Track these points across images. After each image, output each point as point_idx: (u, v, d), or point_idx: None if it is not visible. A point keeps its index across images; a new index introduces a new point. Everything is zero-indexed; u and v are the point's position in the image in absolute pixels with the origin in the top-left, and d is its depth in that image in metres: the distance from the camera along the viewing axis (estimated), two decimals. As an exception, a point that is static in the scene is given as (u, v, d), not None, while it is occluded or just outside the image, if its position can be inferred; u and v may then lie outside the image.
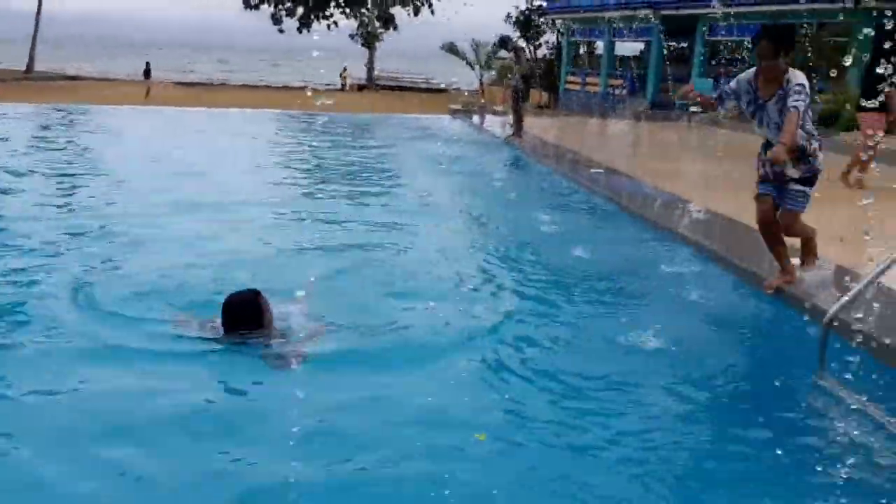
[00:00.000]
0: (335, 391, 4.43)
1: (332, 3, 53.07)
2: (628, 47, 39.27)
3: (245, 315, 4.89)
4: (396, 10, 53.53)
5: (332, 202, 10.11)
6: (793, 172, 5.90)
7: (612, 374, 4.89)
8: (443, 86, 51.46)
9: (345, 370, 4.73)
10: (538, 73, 41.07)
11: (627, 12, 32.72)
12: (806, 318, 5.46)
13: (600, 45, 37.84)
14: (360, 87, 49.70)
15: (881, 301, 5.10)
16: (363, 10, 52.73)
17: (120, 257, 6.98)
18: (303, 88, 49.11)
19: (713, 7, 28.27)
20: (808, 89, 5.74)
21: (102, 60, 70.06)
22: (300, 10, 53.15)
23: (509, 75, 16.85)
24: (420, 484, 3.55)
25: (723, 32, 30.65)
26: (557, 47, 41.40)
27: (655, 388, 4.67)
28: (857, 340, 4.65)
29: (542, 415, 4.31)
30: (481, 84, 18.92)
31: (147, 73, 35.64)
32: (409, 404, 4.35)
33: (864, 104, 11.32)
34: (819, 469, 3.75)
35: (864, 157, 11.34)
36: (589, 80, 37.39)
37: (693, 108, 25.26)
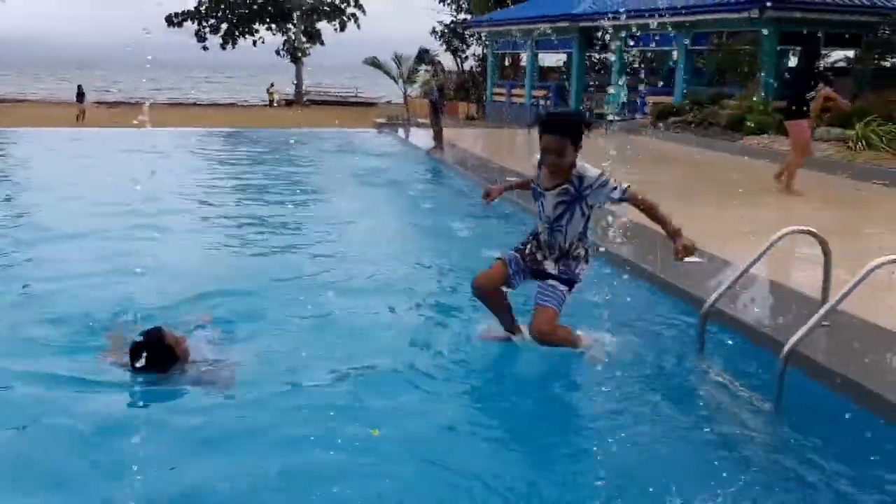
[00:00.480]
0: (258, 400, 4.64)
1: (257, 20, 52.93)
2: (555, 58, 40.21)
3: (154, 358, 4.73)
4: (322, 25, 53.70)
5: (249, 214, 10.34)
6: (550, 267, 5.20)
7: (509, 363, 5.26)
8: (372, 100, 51.86)
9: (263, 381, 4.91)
10: (467, 86, 41.86)
11: (548, 25, 33.48)
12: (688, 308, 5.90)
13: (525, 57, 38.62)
14: (289, 103, 49.64)
15: (754, 291, 5.56)
16: (289, 26, 52.71)
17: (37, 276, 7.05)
18: (231, 105, 49.01)
19: (625, 20, 29.14)
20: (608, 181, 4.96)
21: (19, 83, 68.52)
22: (224, 27, 52.86)
23: (426, 88, 17.23)
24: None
25: (639, 43, 31.66)
26: (483, 60, 42.10)
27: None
28: (733, 328, 5.09)
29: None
30: (405, 97, 19.23)
31: (80, 95, 34.59)
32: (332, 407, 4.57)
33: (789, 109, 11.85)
34: (694, 430, 4.15)
35: (801, 163, 11.93)
36: (514, 91, 38.07)
37: (615, 118, 26.12)
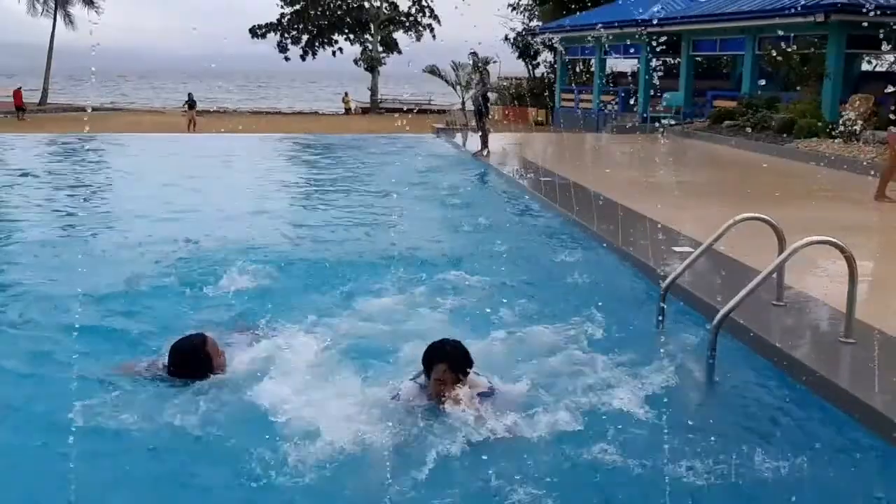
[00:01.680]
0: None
1: (336, 30, 54.70)
2: (628, 63, 40.43)
3: (190, 365, 4.87)
4: (399, 35, 55.12)
5: (308, 204, 11.53)
6: None
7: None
8: (444, 106, 52.89)
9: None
10: (537, 91, 42.42)
11: (616, 30, 33.80)
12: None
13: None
14: (365, 111, 51.11)
15: (711, 269, 6.12)
16: (366, 37, 54.27)
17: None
18: (313, 114, 50.82)
19: (690, 25, 29.31)
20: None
21: (119, 92, 72.21)
22: (305, 38, 54.77)
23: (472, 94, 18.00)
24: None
25: (706, 48, 31.74)
26: (554, 66, 42.58)
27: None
28: (689, 303, 5.69)
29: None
30: (463, 103, 20.02)
31: (191, 105, 36.49)
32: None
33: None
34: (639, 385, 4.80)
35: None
36: (583, 96, 38.45)
37: (670, 123, 26.33)
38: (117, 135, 23.95)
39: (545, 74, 45.01)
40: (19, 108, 41.44)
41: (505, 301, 6.57)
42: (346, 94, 52.63)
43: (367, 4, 54.58)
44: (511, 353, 5.51)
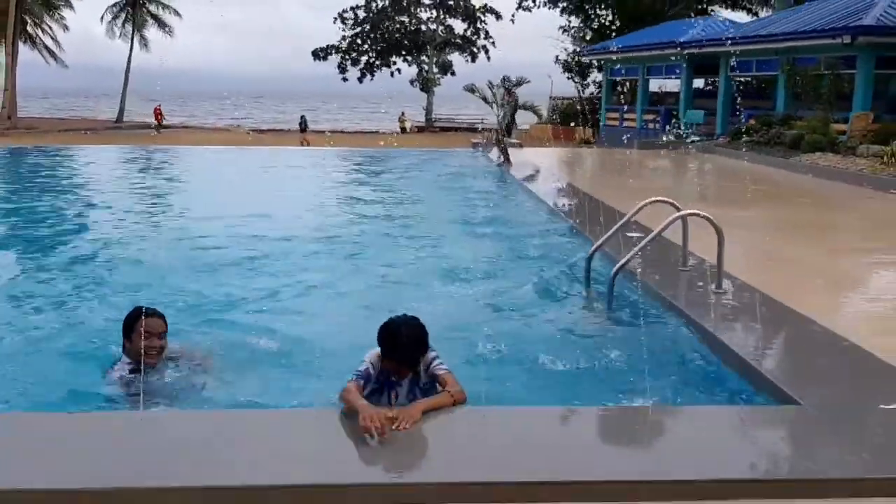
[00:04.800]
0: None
1: (395, 53, 57.15)
2: (672, 83, 41.69)
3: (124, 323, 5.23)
4: (455, 57, 57.26)
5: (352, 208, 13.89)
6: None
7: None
8: (494, 125, 54.71)
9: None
10: (585, 111, 43.91)
11: (657, 52, 35.15)
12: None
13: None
14: (420, 129, 53.24)
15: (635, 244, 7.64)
16: (423, 58, 56.54)
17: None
18: (373, 132, 53.24)
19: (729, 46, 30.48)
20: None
21: (189, 112, 75.93)
22: (364, 60, 57.31)
23: (501, 112, 19.77)
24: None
25: (743, 68, 32.81)
26: (601, 86, 44.10)
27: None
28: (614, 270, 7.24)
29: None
30: (498, 121, 21.77)
31: (304, 126, 40.16)
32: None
33: None
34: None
35: None
36: (627, 115, 39.81)
37: (694, 139, 27.59)
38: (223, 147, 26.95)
39: (593, 94, 46.61)
40: (159, 123, 46.72)
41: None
42: (403, 113, 54.88)
43: (424, 28, 56.90)
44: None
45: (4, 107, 47.40)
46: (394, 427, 3.86)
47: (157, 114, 48.84)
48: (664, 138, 30.12)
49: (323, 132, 46.63)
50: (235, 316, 7.06)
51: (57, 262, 9.32)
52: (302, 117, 41.25)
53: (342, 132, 51.26)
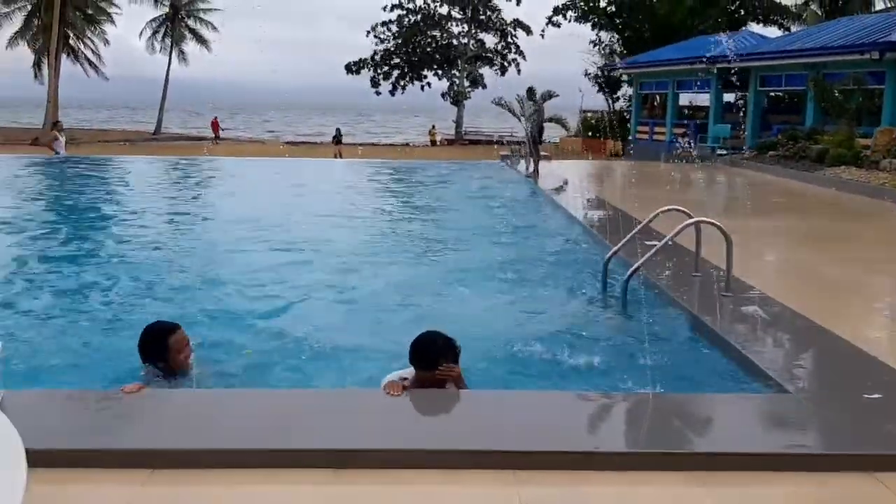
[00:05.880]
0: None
1: (426, 66, 57.89)
2: (703, 98, 41.92)
3: (148, 347, 5.17)
4: (485, 70, 57.86)
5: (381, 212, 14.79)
6: None
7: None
8: (523, 138, 55.14)
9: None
10: (615, 124, 44.27)
11: (686, 66, 35.43)
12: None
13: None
14: (450, 142, 53.83)
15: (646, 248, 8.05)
16: (454, 72, 57.21)
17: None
18: (405, 145, 53.98)
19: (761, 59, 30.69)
20: None
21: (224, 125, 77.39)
22: (395, 73, 58.10)
23: (528, 125, 20.21)
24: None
25: (772, 83, 33.01)
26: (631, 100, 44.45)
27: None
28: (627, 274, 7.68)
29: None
30: (527, 133, 22.19)
31: (338, 139, 41.31)
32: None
33: None
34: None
35: None
36: (657, 129, 40.09)
37: (721, 151, 27.83)
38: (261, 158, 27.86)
39: (623, 108, 46.94)
40: (216, 135, 49.50)
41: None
42: (433, 126, 55.53)
43: (455, 42, 57.61)
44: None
45: (47, 119, 48.80)
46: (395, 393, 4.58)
47: (215, 126, 50.82)
48: (692, 152, 30.40)
49: (355, 144, 47.41)
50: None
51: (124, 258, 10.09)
52: (337, 130, 42.40)
53: (374, 145, 52.03)
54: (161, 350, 5.09)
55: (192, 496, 3.77)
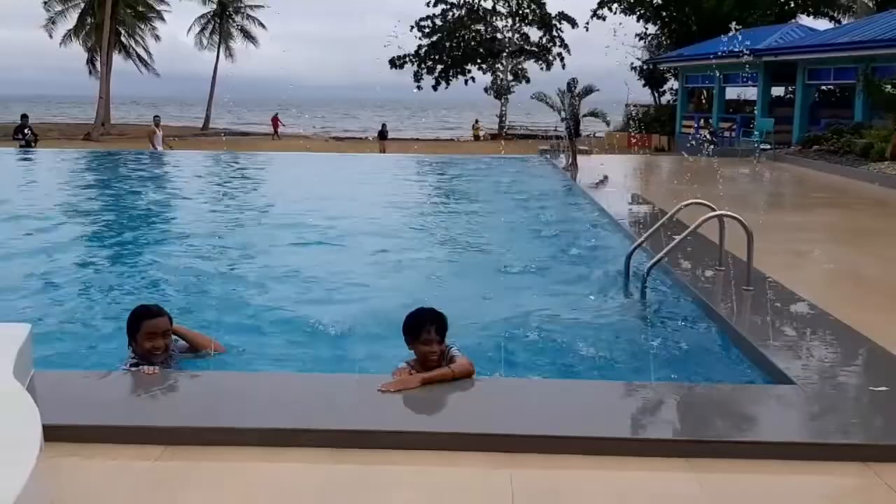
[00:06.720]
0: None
1: (470, 61, 57.90)
2: (751, 92, 41.32)
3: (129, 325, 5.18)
4: (529, 65, 57.70)
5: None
6: None
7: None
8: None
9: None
10: (662, 118, 43.89)
11: (732, 59, 34.93)
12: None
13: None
14: (494, 136, 53.83)
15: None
16: (497, 66, 57.16)
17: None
18: (449, 140, 54.19)
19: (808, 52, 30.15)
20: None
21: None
22: (439, 68, 58.22)
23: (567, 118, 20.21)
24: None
25: (820, 77, 32.40)
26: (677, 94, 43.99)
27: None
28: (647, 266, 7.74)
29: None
30: (566, 126, 22.17)
31: (383, 134, 41.90)
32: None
33: None
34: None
35: None
36: (703, 123, 39.63)
37: (764, 146, 27.44)
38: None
39: (669, 102, 46.47)
40: (276, 131, 51.27)
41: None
42: (477, 121, 55.57)
43: (499, 36, 57.52)
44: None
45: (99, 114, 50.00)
46: (392, 390, 4.61)
47: (275, 122, 51.98)
48: (736, 146, 30.02)
49: (400, 140, 47.77)
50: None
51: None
52: (383, 125, 42.82)
53: (418, 140, 52.31)
54: (133, 330, 5.10)
55: (202, 471, 3.97)
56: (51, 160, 24.06)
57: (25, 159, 24.23)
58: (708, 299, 7.05)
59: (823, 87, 36.73)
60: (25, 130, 27.89)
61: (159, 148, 27.84)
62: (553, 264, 9.45)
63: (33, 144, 27.87)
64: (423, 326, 4.90)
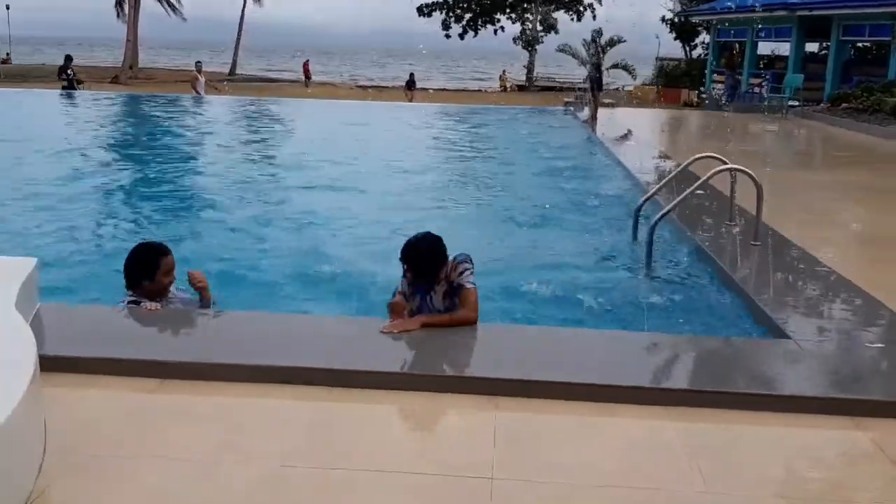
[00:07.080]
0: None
1: (499, 10, 57.02)
2: (784, 47, 40.45)
3: (133, 263, 5.12)
4: (560, 15, 56.72)
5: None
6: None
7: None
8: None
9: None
10: (693, 73, 43.17)
11: (765, 13, 34.13)
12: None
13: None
14: (521, 88, 53.27)
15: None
16: (527, 16, 56.28)
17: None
18: (477, 91, 53.77)
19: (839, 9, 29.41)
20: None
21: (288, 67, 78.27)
22: (468, 17, 57.44)
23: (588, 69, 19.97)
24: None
25: (855, 33, 31.63)
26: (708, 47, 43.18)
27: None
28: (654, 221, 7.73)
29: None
30: (590, 78, 21.96)
31: (410, 83, 41.85)
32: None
33: None
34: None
35: None
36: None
37: (793, 103, 26.93)
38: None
39: (700, 56, 45.63)
40: (307, 77, 50.60)
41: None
42: (504, 72, 54.93)
43: (530, -17, 56.51)
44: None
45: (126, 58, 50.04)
46: (394, 332, 4.67)
47: (306, 69, 51.69)
48: (765, 103, 29.50)
49: (426, 90, 47.46)
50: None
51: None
52: (411, 74, 42.65)
53: (444, 90, 51.91)
54: (152, 268, 5.07)
55: (196, 405, 4.08)
56: (87, 101, 24.45)
57: (65, 100, 24.86)
58: (714, 252, 7.03)
59: (859, 45, 35.86)
60: (69, 71, 28.12)
61: (202, 93, 28.02)
62: (559, 214, 9.48)
63: (77, 86, 28.17)
64: (421, 266, 4.90)
